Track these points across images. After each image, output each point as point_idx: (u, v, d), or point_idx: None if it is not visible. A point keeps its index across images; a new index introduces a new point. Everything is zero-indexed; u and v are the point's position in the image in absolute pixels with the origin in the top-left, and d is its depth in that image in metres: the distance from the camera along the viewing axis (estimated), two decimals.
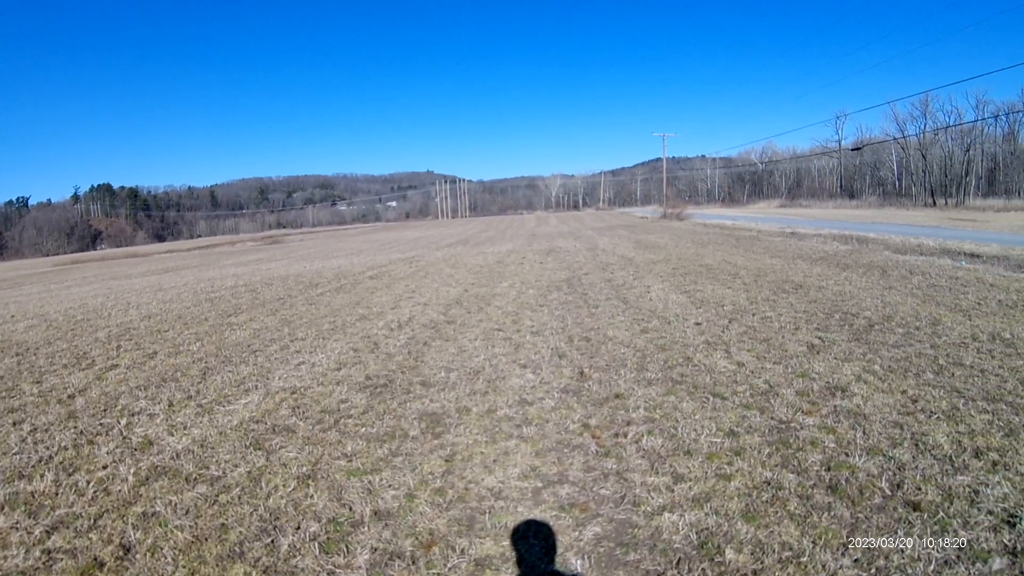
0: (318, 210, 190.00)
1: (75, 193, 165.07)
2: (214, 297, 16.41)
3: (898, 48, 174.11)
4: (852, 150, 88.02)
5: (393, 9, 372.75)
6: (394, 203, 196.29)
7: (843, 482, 4.22)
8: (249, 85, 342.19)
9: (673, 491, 4.29)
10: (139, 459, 5.34)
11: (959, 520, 3.68)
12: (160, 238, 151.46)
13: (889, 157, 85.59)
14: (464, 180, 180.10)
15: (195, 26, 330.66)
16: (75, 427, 6.29)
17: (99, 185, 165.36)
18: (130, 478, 4.96)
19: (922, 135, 75.17)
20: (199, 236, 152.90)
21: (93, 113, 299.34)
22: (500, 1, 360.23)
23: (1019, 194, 62.65)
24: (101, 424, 6.33)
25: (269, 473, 4.94)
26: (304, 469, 4.97)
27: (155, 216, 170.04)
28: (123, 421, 6.36)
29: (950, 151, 73.16)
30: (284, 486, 4.68)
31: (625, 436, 5.30)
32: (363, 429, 5.80)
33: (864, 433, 5.01)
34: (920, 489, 4.06)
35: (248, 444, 5.57)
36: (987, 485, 4.06)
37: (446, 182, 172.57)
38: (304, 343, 9.63)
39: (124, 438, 5.88)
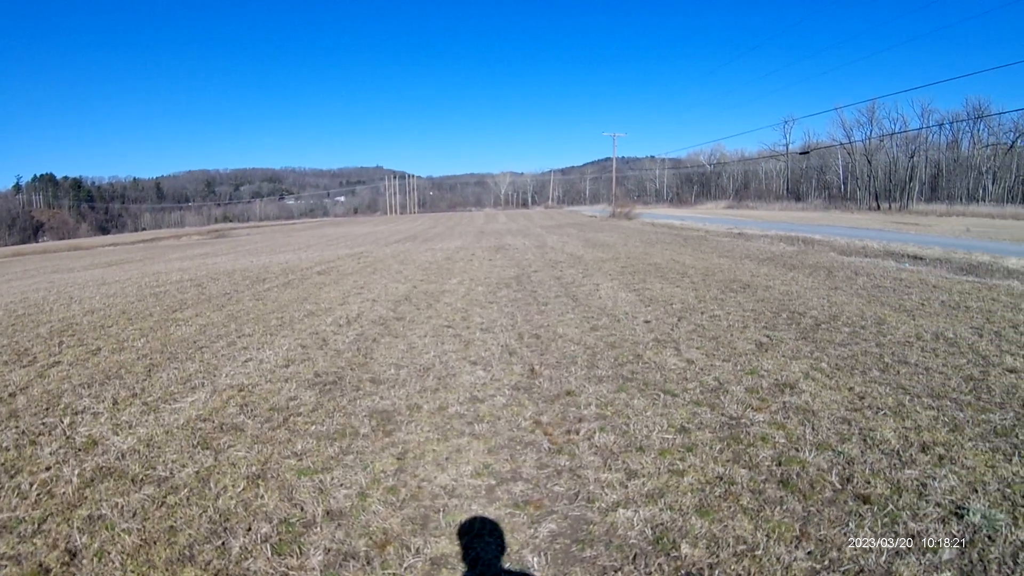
0: (265, 204, 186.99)
1: (17, 183, 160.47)
2: (159, 292, 15.98)
3: (847, 56, 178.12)
4: (799, 154, 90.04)
5: (343, 1, 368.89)
6: (343, 198, 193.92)
7: (794, 476, 4.30)
8: (197, 75, 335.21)
9: (627, 487, 4.32)
10: (83, 460, 5.16)
11: (908, 512, 3.78)
12: (104, 230, 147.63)
13: (835, 161, 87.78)
14: (413, 176, 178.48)
15: (142, 13, 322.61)
16: (16, 427, 6.04)
17: (42, 175, 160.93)
18: (74, 480, 4.79)
19: (868, 141, 77.20)
20: (144, 229, 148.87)
21: (36, 101, 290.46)
22: None
23: (961, 200, 64.81)
24: (43, 423, 6.10)
25: (218, 473, 4.82)
26: (254, 469, 4.87)
27: (99, 208, 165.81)
28: (66, 420, 6.14)
29: (895, 157, 75.33)
30: (233, 486, 4.58)
31: (577, 433, 5.32)
32: (313, 427, 5.70)
33: (813, 429, 5.11)
34: (869, 483, 4.16)
35: (196, 443, 5.43)
36: (934, 478, 4.18)
37: (395, 178, 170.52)
38: (251, 339, 9.44)
39: (68, 438, 5.68)
